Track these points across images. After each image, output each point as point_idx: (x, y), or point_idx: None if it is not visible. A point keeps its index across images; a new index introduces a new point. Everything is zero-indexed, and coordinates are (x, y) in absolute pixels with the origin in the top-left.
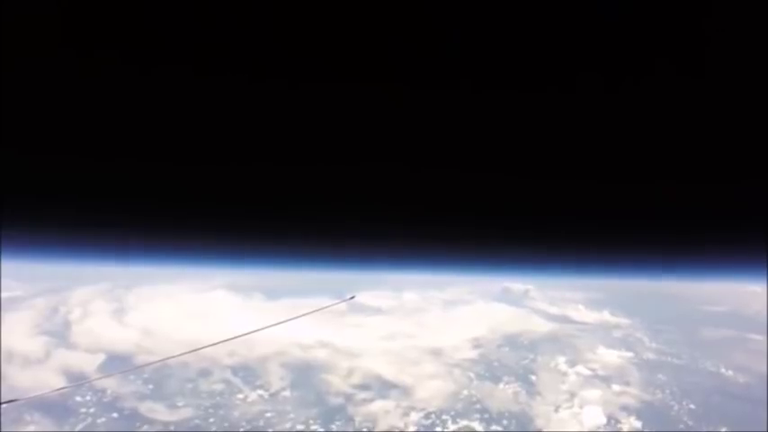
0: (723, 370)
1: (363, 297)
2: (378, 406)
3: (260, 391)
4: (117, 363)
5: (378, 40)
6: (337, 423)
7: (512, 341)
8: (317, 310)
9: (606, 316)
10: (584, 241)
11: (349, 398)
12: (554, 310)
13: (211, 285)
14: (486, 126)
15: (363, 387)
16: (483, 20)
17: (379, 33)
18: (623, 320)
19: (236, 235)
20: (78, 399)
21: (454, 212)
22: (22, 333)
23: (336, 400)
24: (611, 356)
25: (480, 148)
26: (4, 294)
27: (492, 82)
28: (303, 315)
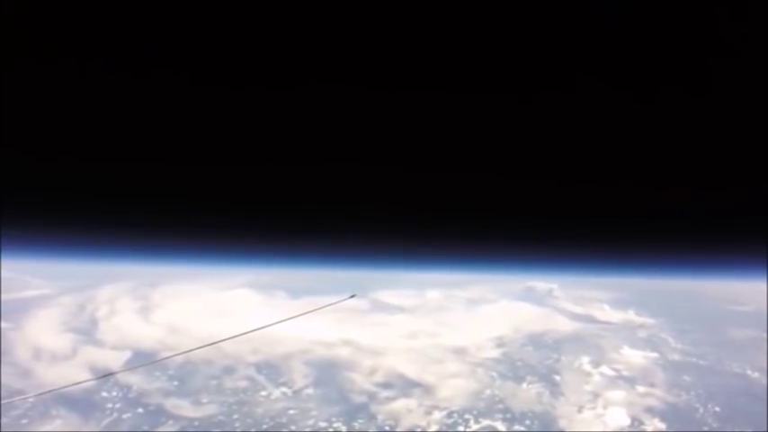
0: (749, 371)
1: (385, 296)
2: (400, 404)
3: (283, 389)
4: (142, 359)
5: (379, 43)
6: (360, 421)
7: (535, 341)
8: (317, 309)
9: (631, 315)
10: (589, 240)
11: (372, 396)
12: (578, 309)
13: (234, 284)
14: (505, 127)
15: (386, 385)
16: (480, 21)
17: (381, 36)
18: (648, 320)
19: (257, 234)
20: (104, 394)
21: (473, 212)
22: (49, 330)
23: (359, 399)
24: (635, 357)
25: (499, 149)
26: (32, 292)
27: (503, 84)
28: (302, 314)
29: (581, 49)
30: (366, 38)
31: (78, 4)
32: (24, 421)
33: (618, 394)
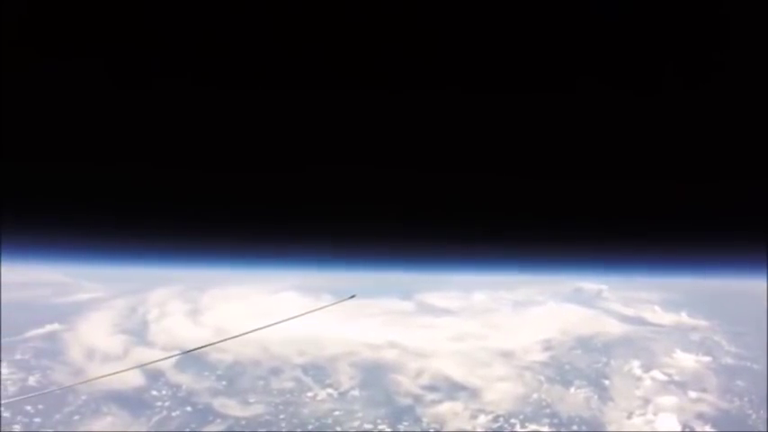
0: None
1: (432, 298)
2: (446, 408)
3: (329, 390)
4: (192, 360)
5: (384, 46)
6: (405, 423)
7: (584, 343)
8: (316, 310)
9: (683, 317)
10: (584, 239)
11: (417, 399)
12: (628, 311)
13: (281, 287)
14: (542, 130)
15: (432, 388)
16: (477, 22)
17: (384, 39)
18: (701, 322)
19: (303, 238)
20: (154, 393)
21: (515, 213)
22: (102, 332)
23: (405, 401)
24: (687, 361)
25: (536, 151)
26: (86, 296)
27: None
28: (302, 315)
29: (586, 49)
30: (370, 40)
31: (79, 7)
32: (76, 417)
33: (669, 400)
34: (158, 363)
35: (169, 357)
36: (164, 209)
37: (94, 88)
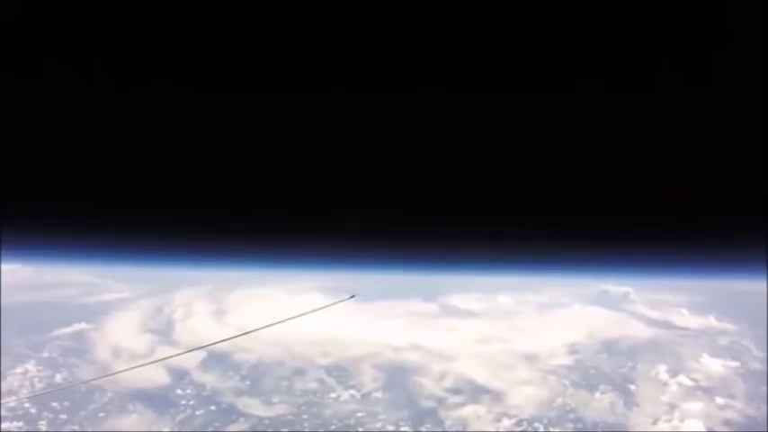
0: None
1: (456, 300)
2: (469, 411)
3: (352, 391)
4: (217, 360)
5: (382, 45)
6: (427, 426)
7: (610, 347)
8: (314, 310)
9: (711, 321)
10: (577, 239)
11: (440, 401)
12: (655, 314)
13: (305, 288)
14: (556, 125)
15: (455, 391)
16: (476, 22)
17: (383, 38)
18: (730, 326)
19: (326, 239)
20: (179, 392)
21: (539, 213)
22: (128, 331)
23: (428, 403)
24: (715, 366)
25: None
26: (113, 296)
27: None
28: (302, 315)
29: (580, 49)
30: (369, 40)
31: (79, 7)
32: (101, 415)
33: (695, 406)
34: (183, 363)
35: (163, 360)
36: (184, 211)
37: (101, 88)
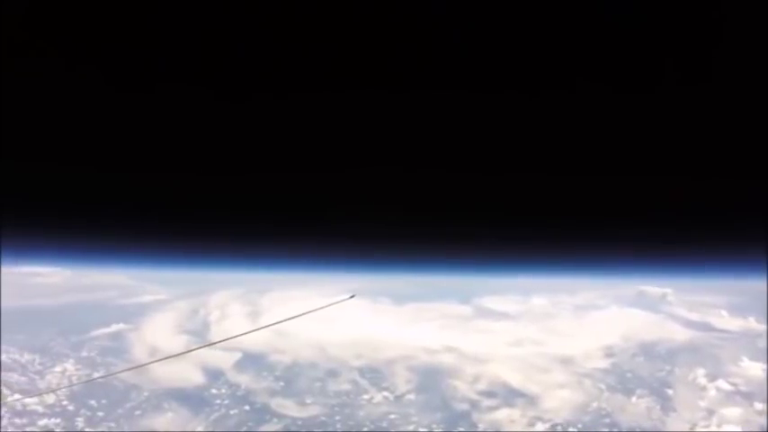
0: None
1: (490, 302)
2: (503, 414)
3: (385, 393)
4: (252, 360)
5: (389, 47)
6: (460, 429)
7: (647, 350)
8: (314, 310)
9: (752, 323)
10: (574, 240)
11: (474, 404)
12: (694, 315)
13: (340, 290)
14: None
15: (489, 394)
16: (474, 22)
17: (389, 39)
18: None
19: (361, 241)
20: (214, 391)
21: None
22: (165, 332)
23: (461, 406)
24: (755, 369)
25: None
26: (149, 297)
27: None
28: (301, 315)
29: (583, 51)
30: (371, 42)
31: (79, 7)
32: (138, 412)
33: (734, 412)
34: (219, 364)
35: (163, 359)
36: (214, 214)
37: (105, 90)
